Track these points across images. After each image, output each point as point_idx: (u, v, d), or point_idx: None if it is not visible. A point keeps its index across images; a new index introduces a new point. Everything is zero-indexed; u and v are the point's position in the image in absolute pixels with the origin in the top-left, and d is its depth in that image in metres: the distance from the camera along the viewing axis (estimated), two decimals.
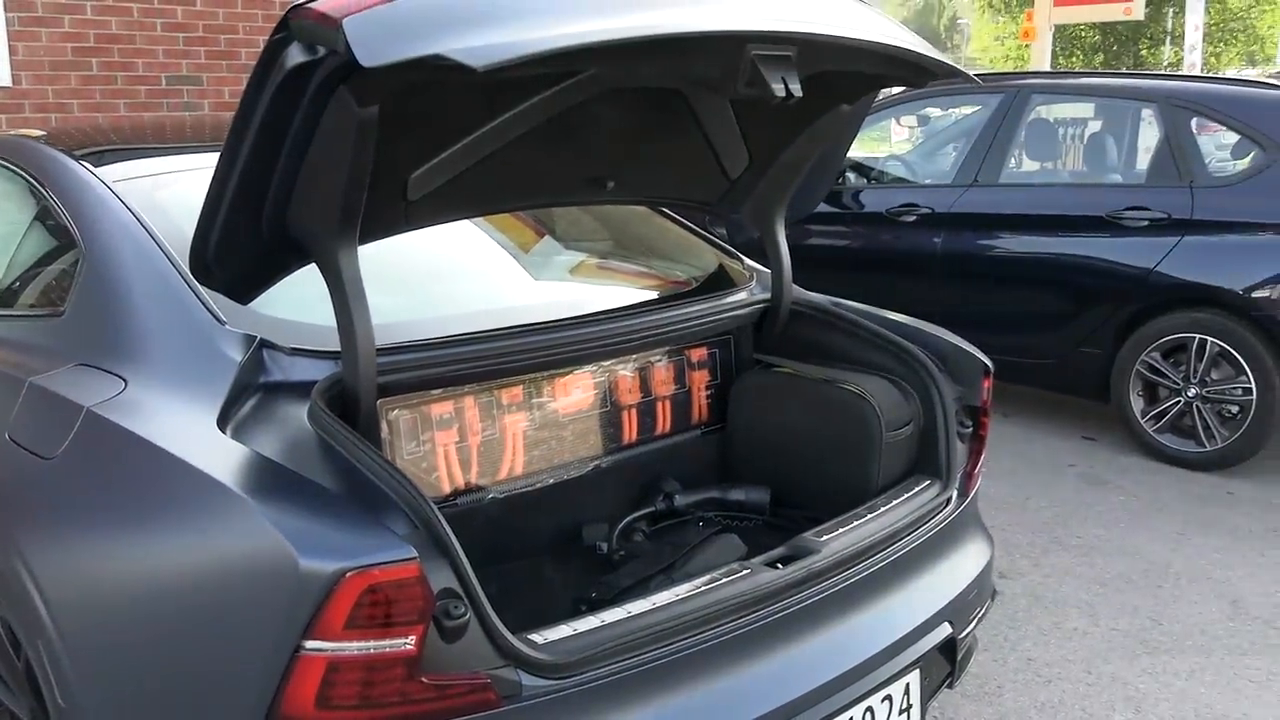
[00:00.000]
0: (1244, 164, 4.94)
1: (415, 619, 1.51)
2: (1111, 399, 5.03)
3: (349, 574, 1.47)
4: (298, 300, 2.02)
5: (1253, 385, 4.63)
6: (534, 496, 2.29)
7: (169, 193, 2.36)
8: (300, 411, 1.81)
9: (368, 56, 1.44)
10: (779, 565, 1.97)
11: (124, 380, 1.94)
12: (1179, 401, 4.84)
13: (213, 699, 1.58)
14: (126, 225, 2.19)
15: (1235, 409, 4.74)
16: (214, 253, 1.79)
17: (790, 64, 1.80)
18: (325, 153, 1.70)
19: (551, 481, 2.32)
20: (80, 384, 1.98)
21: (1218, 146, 5.91)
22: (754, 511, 2.48)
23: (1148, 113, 5.29)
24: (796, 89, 1.81)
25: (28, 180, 2.57)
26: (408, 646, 1.51)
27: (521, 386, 2.27)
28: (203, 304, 1.97)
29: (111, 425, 1.83)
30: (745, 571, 1.93)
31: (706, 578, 1.91)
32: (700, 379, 2.63)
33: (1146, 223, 4.90)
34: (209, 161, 2.07)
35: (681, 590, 1.86)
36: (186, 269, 1.94)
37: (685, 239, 2.92)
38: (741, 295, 2.64)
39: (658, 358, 2.54)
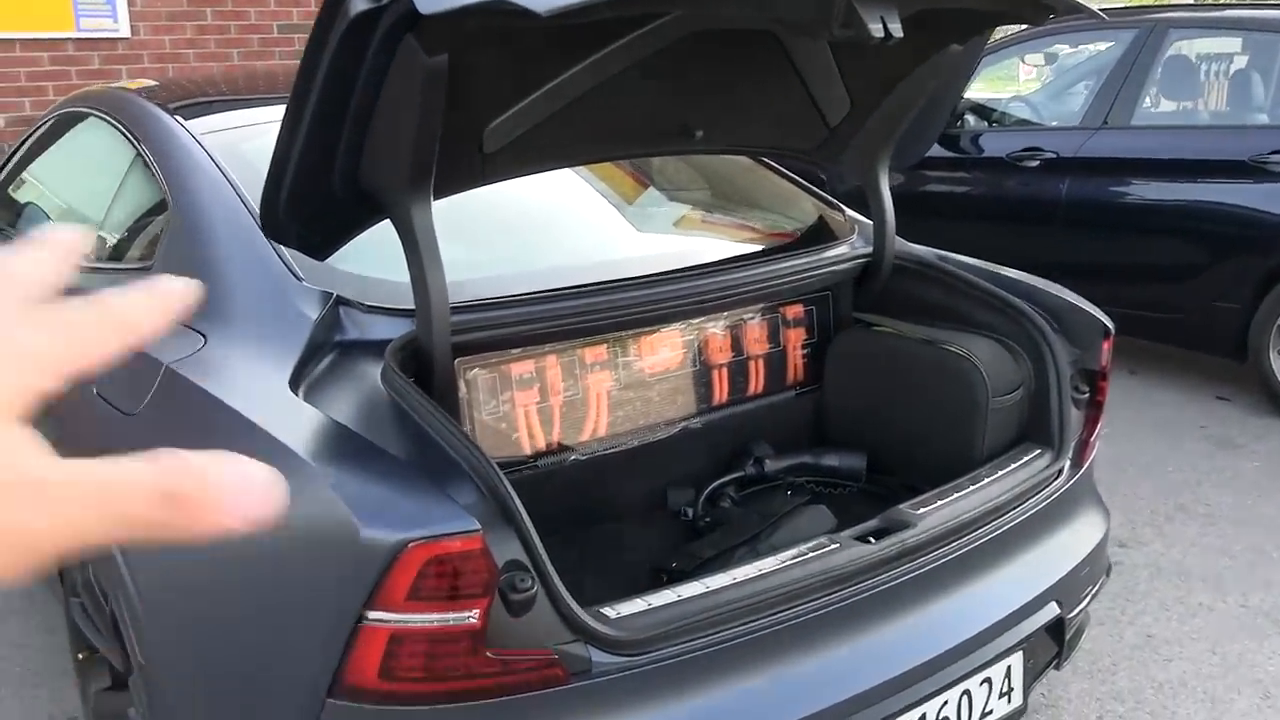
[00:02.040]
0: None
1: (479, 592, 1.45)
2: (1248, 357, 4.70)
3: (411, 545, 1.42)
4: (379, 256, 1.97)
5: None
6: (618, 459, 2.22)
7: (257, 144, 2.34)
8: (374, 371, 1.76)
9: (427, 3, 1.36)
10: (871, 539, 1.86)
11: (203, 337, 1.92)
12: None
13: (279, 665, 1.56)
14: (211, 178, 2.18)
15: None
16: (285, 208, 1.74)
17: (890, 2, 1.66)
18: (394, 104, 1.63)
19: (636, 444, 2.25)
20: (162, 340, 1.97)
21: None
22: (849, 478, 2.37)
23: None
24: (897, 29, 1.67)
25: (124, 134, 2.58)
26: (471, 620, 1.46)
27: (606, 345, 2.19)
28: (281, 260, 1.94)
29: (187, 383, 1.81)
30: (834, 546, 1.83)
31: (792, 551, 1.81)
32: (796, 337, 2.51)
33: None
34: None
35: (765, 564, 1.77)
36: None
37: (783, 189, 2.79)
38: (841, 249, 2.50)
39: (750, 315, 2.42)
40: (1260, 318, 4.61)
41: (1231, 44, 6.03)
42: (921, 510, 1.95)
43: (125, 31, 6.37)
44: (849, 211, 2.73)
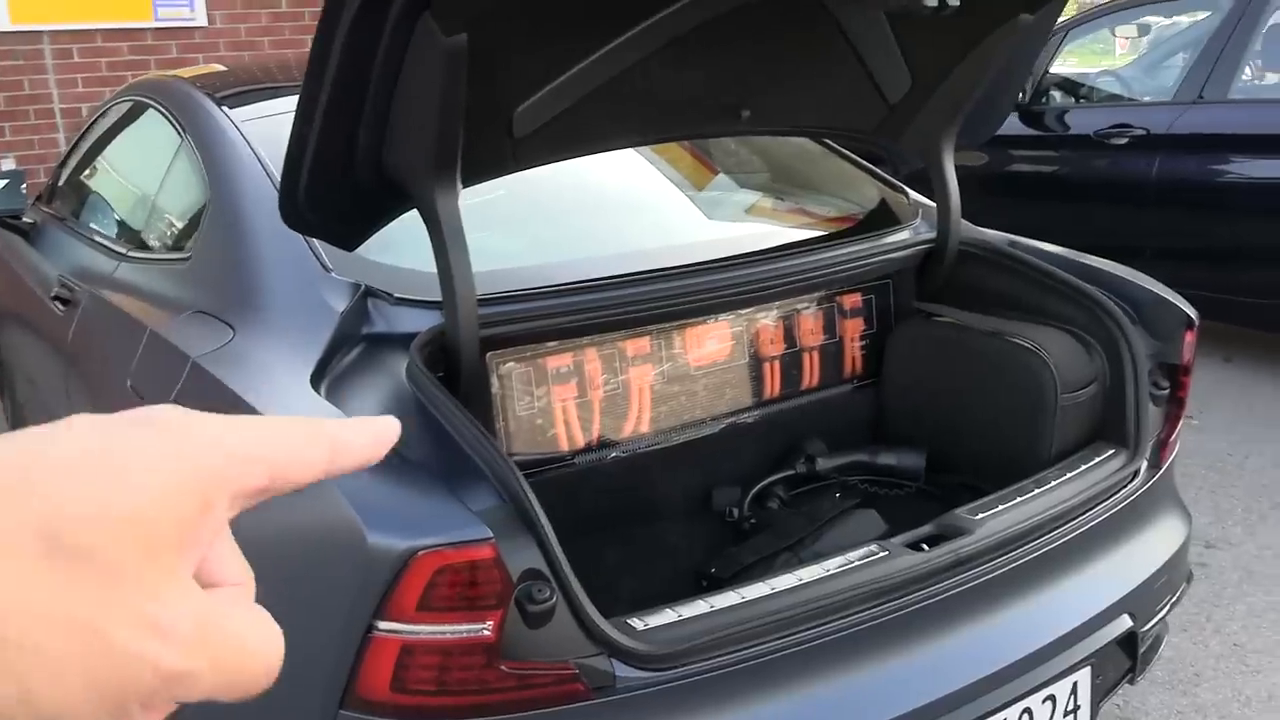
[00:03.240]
0: None
1: (493, 603, 1.38)
2: None
3: (420, 553, 1.35)
4: (413, 246, 1.90)
5: None
6: (661, 456, 2.12)
7: None
8: (400, 366, 1.70)
9: None
10: (924, 546, 1.75)
11: (232, 329, 1.88)
12: None
13: (291, 672, 1.50)
14: (248, 167, 2.14)
15: None
16: (305, 197, 1.68)
17: None
18: (413, 88, 1.56)
19: (681, 440, 2.15)
20: (192, 333, 1.94)
21: None
22: (906, 478, 2.24)
23: None
24: None
25: (172, 122, 2.56)
26: (485, 632, 1.38)
27: (649, 337, 2.09)
28: (310, 250, 1.89)
29: (211, 378, 1.77)
30: (883, 554, 1.71)
31: (838, 559, 1.70)
32: (853, 328, 2.38)
33: None
34: None
35: (806, 573, 1.66)
36: None
37: (843, 171, 2.66)
38: (903, 235, 2.37)
39: (805, 305, 2.30)
40: None
41: None
42: (980, 515, 1.82)
43: (202, 20, 6.45)
44: (914, 195, 2.58)
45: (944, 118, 2.28)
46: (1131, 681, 2.06)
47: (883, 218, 2.45)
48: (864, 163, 2.68)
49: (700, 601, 1.58)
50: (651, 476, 2.11)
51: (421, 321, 1.78)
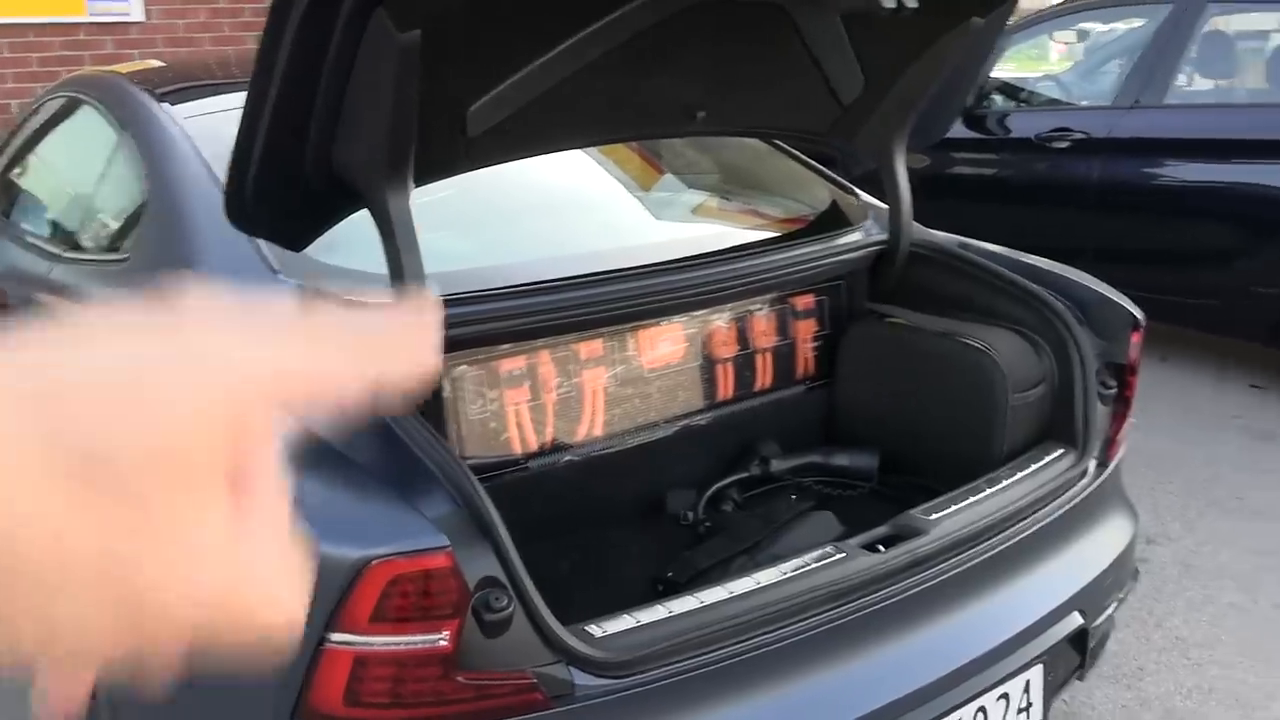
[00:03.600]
0: None
1: (449, 613, 1.35)
2: None
3: (373, 563, 1.32)
4: (365, 245, 1.86)
5: None
6: (615, 459, 2.10)
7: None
8: None
9: None
10: (880, 548, 1.75)
11: None
12: None
13: (240, 685, 1.46)
14: (189, 165, 2.09)
15: None
16: (252, 195, 1.64)
17: None
18: (366, 85, 1.53)
19: (635, 443, 2.13)
20: None
21: None
22: (860, 479, 2.24)
23: None
24: None
25: (110, 119, 2.49)
26: (441, 643, 1.35)
27: (602, 340, 2.08)
28: (256, 251, 1.84)
29: None
30: (840, 555, 1.71)
31: (795, 562, 1.70)
32: (806, 329, 2.38)
33: None
34: None
35: (764, 576, 1.65)
36: None
37: (794, 172, 2.66)
38: (855, 236, 2.38)
39: (758, 306, 2.30)
40: None
41: (1271, 19, 5.81)
42: (935, 515, 1.83)
43: (138, 15, 6.30)
44: (864, 196, 2.59)
45: (896, 119, 2.28)
46: (1080, 678, 2.08)
47: (834, 219, 2.46)
48: (813, 163, 2.69)
49: (659, 606, 1.56)
50: (606, 480, 2.09)
51: None
